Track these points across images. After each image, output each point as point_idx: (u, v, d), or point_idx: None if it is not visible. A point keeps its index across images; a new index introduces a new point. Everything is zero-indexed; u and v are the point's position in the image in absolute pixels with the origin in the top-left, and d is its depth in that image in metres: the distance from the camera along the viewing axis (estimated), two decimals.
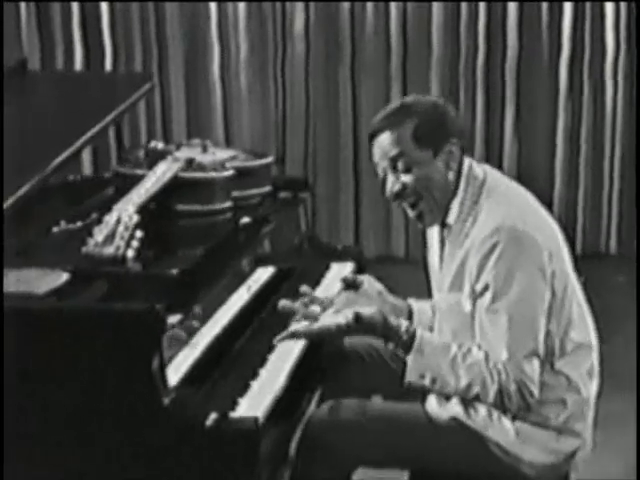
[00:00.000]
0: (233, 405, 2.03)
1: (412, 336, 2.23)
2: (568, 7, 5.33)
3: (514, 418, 2.25)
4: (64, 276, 2.07)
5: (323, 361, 2.53)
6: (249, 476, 1.89)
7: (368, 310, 2.25)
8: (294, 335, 2.29)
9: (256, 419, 1.90)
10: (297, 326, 2.31)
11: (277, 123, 5.29)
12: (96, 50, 5.08)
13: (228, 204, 2.67)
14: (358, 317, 2.23)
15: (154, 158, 2.73)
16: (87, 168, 5.05)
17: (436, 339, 2.28)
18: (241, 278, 2.56)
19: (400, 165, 2.23)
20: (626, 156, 5.54)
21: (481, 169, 2.33)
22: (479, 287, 2.19)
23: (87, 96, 2.91)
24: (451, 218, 2.28)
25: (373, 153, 2.27)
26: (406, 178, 2.24)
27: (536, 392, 2.19)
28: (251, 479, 1.89)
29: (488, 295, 2.18)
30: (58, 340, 1.88)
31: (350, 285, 2.42)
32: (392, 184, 2.25)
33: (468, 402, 2.26)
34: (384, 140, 2.23)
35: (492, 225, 2.18)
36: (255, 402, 2.05)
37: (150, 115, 5.17)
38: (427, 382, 2.23)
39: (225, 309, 2.40)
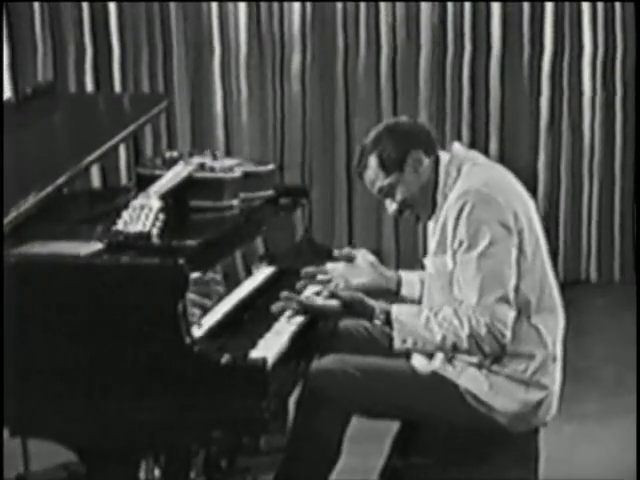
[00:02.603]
0: (245, 356, 2.35)
1: (387, 312, 2.58)
2: (549, 7, 5.63)
3: (489, 371, 2.57)
4: (98, 245, 2.42)
5: (318, 339, 2.84)
6: (257, 408, 2.21)
7: (348, 293, 2.64)
8: (288, 302, 2.64)
9: (265, 359, 2.24)
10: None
11: (275, 144, 5.66)
12: (106, 74, 5.48)
13: (235, 202, 3.02)
14: (345, 303, 2.62)
15: (170, 163, 3.09)
16: (96, 182, 5.41)
17: (409, 307, 2.65)
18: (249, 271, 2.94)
19: (385, 193, 2.67)
20: (604, 187, 5.86)
21: (465, 151, 2.71)
22: (456, 244, 2.55)
23: (113, 112, 3.31)
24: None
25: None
26: (395, 199, 2.67)
27: (508, 334, 2.51)
28: (259, 411, 2.21)
29: (462, 249, 2.54)
30: (99, 290, 2.23)
31: (345, 258, 2.81)
32: (389, 207, 2.71)
33: (447, 358, 2.60)
34: (365, 181, 2.69)
35: (461, 189, 2.57)
36: (263, 352, 2.38)
37: (156, 132, 5.54)
38: (410, 345, 2.57)
39: (238, 291, 2.77)
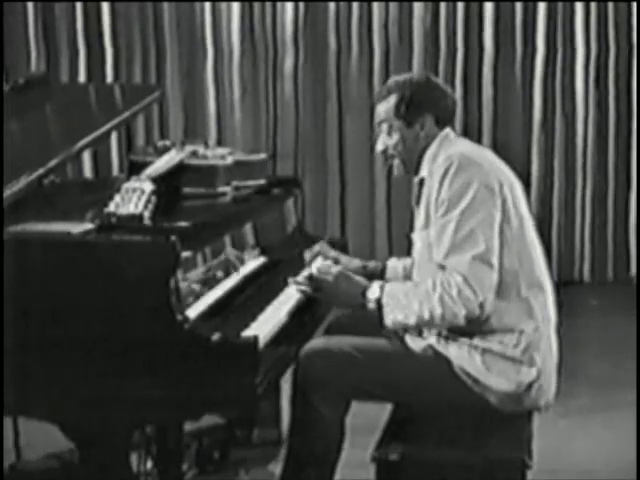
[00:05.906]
0: (236, 335, 2.34)
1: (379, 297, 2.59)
2: (542, 7, 5.70)
3: (483, 349, 2.57)
4: (89, 225, 2.42)
5: (312, 322, 2.85)
6: (248, 387, 2.20)
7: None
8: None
9: (256, 337, 2.23)
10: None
11: (268, 142, 5.70)
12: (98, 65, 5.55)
13: (227, 189, 3.02)
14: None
15: (163, 152, 3.09)
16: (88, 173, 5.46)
17: (396, 283, 2.70)
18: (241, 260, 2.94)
19: (384, 129, 2.74)
20: (596, 192, 5.90)
21: (455, 136, 2.74)
22: (438, 205, 2.56)
23: (106, 101, 3.33)
24: (424, 172, 2.68)
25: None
26: (388, 140, 2.73)
27: (487, 295, 2.48)
28: (249, 389, 2.21)
29: (442, 209, 2.55)
30: (91, 267, 2.24)
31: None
32: (379, 144, 2.77)
33: (442, 336, 2.60)
34: (378, 109, 2.75)
35: (445, 155, 2.62)
36: (255, 332, 2.37)
37: (149, 133, 5.61)
38: (395, 320, 2.56)
39: (232, 277, 2.77)
